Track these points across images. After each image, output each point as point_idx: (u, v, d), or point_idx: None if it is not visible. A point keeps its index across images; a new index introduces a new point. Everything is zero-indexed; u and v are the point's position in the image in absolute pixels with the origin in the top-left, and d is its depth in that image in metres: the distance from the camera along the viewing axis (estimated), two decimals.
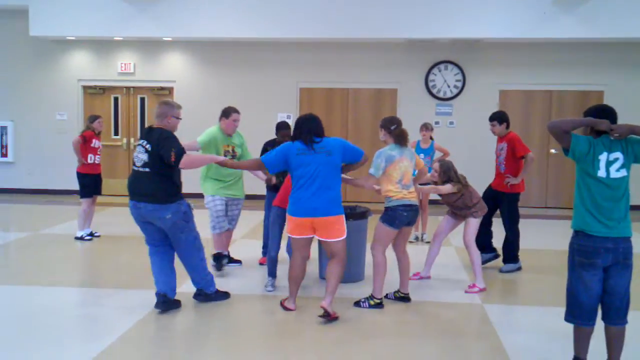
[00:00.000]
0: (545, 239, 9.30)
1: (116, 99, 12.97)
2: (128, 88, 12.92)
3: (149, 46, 12.55)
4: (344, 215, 5.33)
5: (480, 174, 12.07)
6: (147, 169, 5.13)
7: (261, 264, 7.10)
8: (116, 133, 12.99)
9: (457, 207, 6.36)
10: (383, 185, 5.58)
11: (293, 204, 5.22)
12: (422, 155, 8.69)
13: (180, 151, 5.08)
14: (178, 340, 4.90)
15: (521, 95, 12.23)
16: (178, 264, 5.47)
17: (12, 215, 10.92)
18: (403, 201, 5.48)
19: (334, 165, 5.26)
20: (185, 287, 5.82)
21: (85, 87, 12.90)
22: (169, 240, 5.37)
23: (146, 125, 6.63)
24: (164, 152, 5.05)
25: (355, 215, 6.43)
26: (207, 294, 5.61)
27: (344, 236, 5.30)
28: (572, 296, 3.91)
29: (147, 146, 5.14)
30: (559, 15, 10.83)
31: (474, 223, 6.29)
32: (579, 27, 10.88)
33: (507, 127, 7.20)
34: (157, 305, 5.32)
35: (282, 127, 7.08)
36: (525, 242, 8.85)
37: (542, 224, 10.66)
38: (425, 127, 8.79)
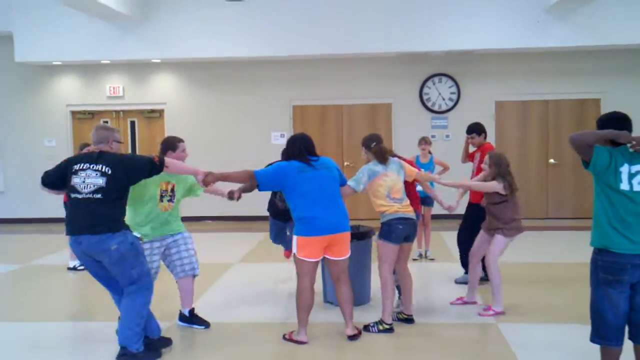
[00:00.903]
0: (550, 252, 9.11)
1: (106, 123, 12.72)
2: (117, 112, 12.69)
3: (137, 68, 12.34)
4: None
5: None
6: (99, 195, 4.53)
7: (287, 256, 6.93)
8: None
9: (493, 214, 5.88)
10: (374, 202, 5.41)
11: (308, 224, 4.90)
12: (421, 170, 8.44)
13: (160, 155, 4.83)
14: None
15: (517, 105, 12.08)
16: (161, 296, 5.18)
17: (3, 245, 10.62)
18: (397, 214, 5.29)
19: (335, 180, 5.16)
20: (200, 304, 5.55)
21: (74, 112, 12.66)
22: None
23: (82, 149, 6.08)
24: (142, 159, 4.72)
25: (359, 235, 6.20)
26: (127, 352, 4.67)
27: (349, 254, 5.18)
28: (598, 315, 3.69)
29: (106, 169, 4.58)
30: (553, 24, 10.70)
31: (501, 241, 5.81)
32: (574, 35, 10.74)
33: (485, 137, 7.22)
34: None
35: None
36: (530, 255, 8.72)
37: (544, 236, 10.46)
38: (424, 141, 8.59)
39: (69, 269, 8.15)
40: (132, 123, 12.70)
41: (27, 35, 11.41)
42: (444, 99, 12.03)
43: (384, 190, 5.33)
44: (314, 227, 4.90)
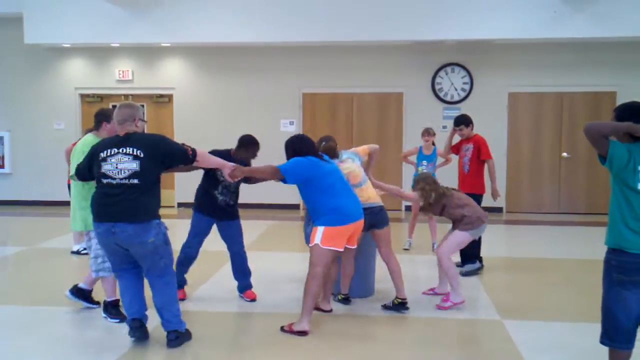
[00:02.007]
0: (561, 247, 8.94)
1: (114, 107, 12.63)
2: (127, 96, 12.60)
3: (147, 52, 12.25)
4: None
5: (488, 179, 11.77)
6: (135, 181, 4.34)
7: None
8: None
9: (451, 219, 5.96)
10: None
11: (338, 213, 4.95)
12: (424, 162, 8.38)
13: (190, 146, 4.66)
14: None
15: (531, 97, 11.87)
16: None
17: (10, 228, 10.61)
18: (369, 204, 5.48)
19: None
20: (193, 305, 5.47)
21: (82, 96, 12.60)
22: (139, 268, 4.68)
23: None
24: (177, 147, 4.56)
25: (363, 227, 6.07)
26: (181, 334, 4.70)
27: None
28: (609, 317, 3.55)
29: (137, 152, 4.38)
30: (570, 15, 10.48)
31: (457, 236, 5.78)
32: (591, 27, 10.52)
33: (472, 128, 7.28)
34: (134, 333, 4.70)
35: (251, 143, 5.91)
36: (540, 250, 8.58)
37: (556, 231, 10.30)
38: (428, 133, 8.45)
39: (73, 252, 8.10)
40: (141, 107, 12.58)
41: (38, 17, 11.34)
42: (456, 90, 11.84)
43: (357, 178, 5.53)
44: (344, 217, 4.98)
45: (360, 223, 5.12)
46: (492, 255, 8.23)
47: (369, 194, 5.61)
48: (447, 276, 5.79)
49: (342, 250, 5.07)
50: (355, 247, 5.35)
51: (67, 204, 9.51)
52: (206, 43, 11.54)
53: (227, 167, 4.92)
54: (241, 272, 6.00)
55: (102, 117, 5.34)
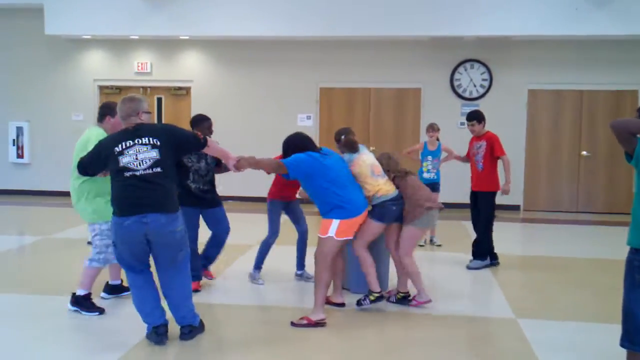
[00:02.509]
0: (578, 247, 8.85)
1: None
2: (145, 88, 12.65)
3: (165, 45, 12.28)
4: None
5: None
6: (158, 169, 4.28)
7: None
8: None
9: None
10: (364, 187, 5.32)
11: (349, 205, 5.04)
12: (429, 158, 8.33)
13: (198, 133, 4.76)
14: (195, 350, 4.56)
15: (551, 95, 11.74)
16: None
17: (27, 218, 10.70)
18: (389, 195, 5.34)
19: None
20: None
21: (101, 87, 12.67)
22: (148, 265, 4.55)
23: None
24: (188, 133, 4.65)
25: None
26: (194, 328, 4.68)
27: None
28: (630, 319, 3.45)
29: (154, 140, 4.32)
30: (591, 11, 10.34)
31: (405, 232, 5.50)
32: (613, 24, 10.38)
33: (484, 125, 7.25)
34: (161, 339, 4.55)
35: (202, 119, 6.04)
36: (557, 249, 8.49)
37: (574, 230, 10.20)
38: (432, 128, 8.39)
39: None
40: (159, 100, 12.66)
41: (58, 9, 11.41)
42: (475, 86, 11.74)
43: (366, 169, 5.34)
44: (354, 208, 5.07)
45: (365, 214, 5.21)
46: (508, 253, 8.17)
47: (391, 185, 5.46)
48: (409, 275, 5.61)
49: (348, 238, 5.17)
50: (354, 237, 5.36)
51: None
52: (224, 36, 11.54)
53: (231, 159, 4.95)
54: (216, 249, 6.17)
55: (107, 110, 5.26)
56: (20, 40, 12.52)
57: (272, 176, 6.07)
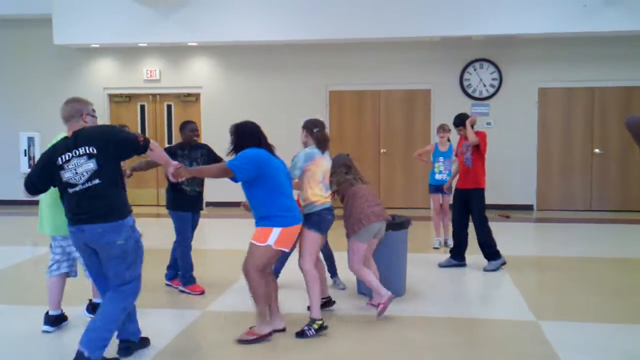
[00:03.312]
0: (594, 246, 8.77)
1: (142, 107, 12.74)
2: (154, 95, 12.67)
3: (174, 52, 12.29)
4: None
5: (520, 176, 11.63)
6: (97, 181, 4.05)
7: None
8: None
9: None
10: (307, 190, 5.08)
11: (292, 211, 4.76)
12: (441, 159, 8.30)
13: (143, 135, 4.36)
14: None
15: (562, 92, 11.67)
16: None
17: None
18: (325, 205, 5.12)
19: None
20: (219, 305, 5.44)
21: (111, 96, 12.69)
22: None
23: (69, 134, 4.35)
24: (127, 136, 4.23)
25: (395, 225, 6.01)
26: (133, 343, 4.47)
27: None
28: None
29: (90, 149, 4.05)
30: (601, 7, 10.26)
31: (350, 245, 5.44)
32: (622, 20, 10.28)
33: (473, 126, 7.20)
34: (120, 353, 4.42)
35: (184, 124, 6.21)
36: (572, 249, 8.42)
37: (587, 229, 10.11)
38: (443, 129, 8.36)
39: None
40: (169, 107, 12.67)
41: (66, 18, 11.44)
42: (485, 86, 11.69)
43: (320, 174, 5.11)
44: (296, 216, 4.79)
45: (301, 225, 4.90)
46: (523, 254, 8.13)
47: (329, 197, 5.28)
48: (366, 282, 5.50)
49: (289, 251, 4.91)
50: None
51: None
52: (233, 42, 11.53)
53: (171, 166, 4.55)
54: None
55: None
56: (30, 50, 12.56)
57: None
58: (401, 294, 6.06)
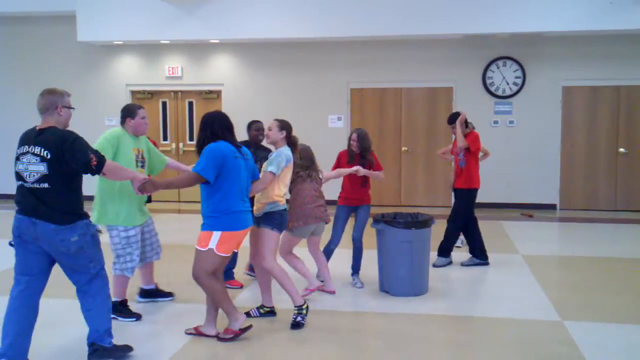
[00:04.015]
0: (619, 246, 8.65)
1: (164, 104, 12.79)
2: (176, 92, 12.72)
3: (196, 49, 12.33)
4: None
5: (543, 175, 11.50)
6: (45, 185, 3.95)
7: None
8: (165, 138, 12.81)
9: None
10: (273, 190, 5.04)
11: (234, 215, 4.54)
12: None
13: (99, 154, 4.07)
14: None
15: (586, 91, 11.51)
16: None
17: None
18: (284, 205, 5.17)
19: (253, 173, 4.87)
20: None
21: (133, 92, 12.76)
22: (45, 278, 4.18)
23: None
24: (80, 156, 3.94)
25: (418, 223, 5.97)
26: (107, 349, 4.26)
27: None
28: None
29: (44, 153, 3.93)
30: (627, 5, 10.10)
31: (285, 235, 5.60)
32: None
33: (466, 126, 7.28)
34: None
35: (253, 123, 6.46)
36: (596, 249, 8.30)
37: (613, 229, 9.98)
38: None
39: None
40: (190, 104, 12.71)
41: (90, 15, 11.52)
42: (508, 84, 11.57)
43: (287, 179, 5.23)
44: (240, 221, 4.57)
45: (250, 229, 4.79)
46: (547, 254, 8.05)
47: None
48: (296, 270, 5.80)
49: (229, 256, 4.67)
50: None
51: None
52: (254, 39, 11.54)
53: (136, 181, 4.47)
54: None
55: (126, 113, 5.30)
56: (54, 47, 12.66)
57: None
58: (424, 292, 6.02)
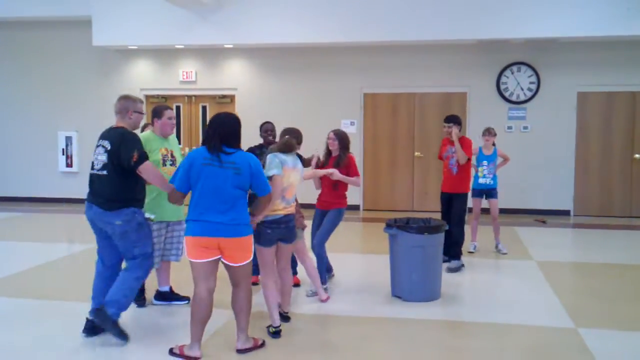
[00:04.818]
0: (633, 253, 8.54)
1: (178, 108, 12.85)
2: (190, 96, 12.78)
3: (210, 54, 12.38)
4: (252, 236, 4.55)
5: (557, 181, 11.42)
6: (104, 172, 4.68)
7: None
8: (178, 142, 12.81)
9: None
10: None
11: (195, 223, 4.31)
12: (485, 163, 8.15)
13: (143, 154, 4.66)
14: None
15: (601, 97, 11.43)
16: None
17: (77, 226, 10.85)
18: (267, 217, 4.83)
19: (239, 186, 4.36)
20: None
21: (147, 96, 12.83)
22: (113, 252, 4.89)
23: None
24: (125, 151, 4.59)
25: (430, 229, 5.95)
26: (107, 317, 4.62)
27: (250, 258, 4.52)
28: None
29: (107, 145, 4.68)
30: None
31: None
32: None
33: (460, 130, 7.30)
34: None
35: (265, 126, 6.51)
36: (611, 256, 8.22)
37: (628, 236, 9.88)
38: (489, 132, 8.24)
39: None
40: (204, 108, 12.76)
41: (105, 20, 11.63)
42: (522, 89, 11.51)
43: (283, 184, 4.92)
44: (199, 228, 4.30)
45: (226, 241, 4.33)
46: (561, 260, 8.00)
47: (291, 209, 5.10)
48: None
49: (205, 261, 4.33)
50: (234, 264, 4.42)
51: None
52: (268, 44, 11.58)
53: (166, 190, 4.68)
54: None
55: (154, 114, 5.54)
56: (69, 51, 12.78)
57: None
58: (436, 297, 5.99)
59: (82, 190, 13.03)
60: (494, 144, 8.29)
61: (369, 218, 11.25)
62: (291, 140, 5.21)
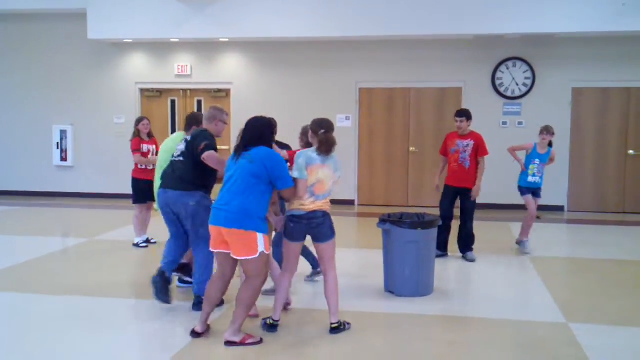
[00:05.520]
0: (626, 249, 8.57)
1: (173, 102, 12.84)
2: (185, 90, 12.76)
3: (205, 47, 12.36)
4: (258, 232, 4.55)
5: (551, 176, 11.42)
6: (181, 158, 5.44)
7: None
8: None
9: None
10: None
11: (217, 207, 4.70)
12: (537, 161, 7.84)
13: (211, 146, 5.29)
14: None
15: (596, 92, 11.45)
16: None
17: (72, 220, 10.87)
18: (293, 211, 4.83)
19: (251, 174, 4.55)
20: None
21: (142, 90, 12.81)
22: (181, 237, 5.55)
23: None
24: (198, 141, 5.31)
25: (423, 224, 5.96)
26: (163, 274, 5.46)
27: (256, 255, 4.54)
28: None
29: (189, 137, 5.51)
30: (639, 7, 10.05)
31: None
32: None
33: (470, 124, 7.47)
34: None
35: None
36: (604, 251, 8.25)
37: (621, 232, 9.92)
38: (547, 131, 7.90)
39: (134, 245, 8.22)
40: (199, 102, 12.75)
41: (100, 13, 11.59)
42: (517, 85, 11.53)
43: (311, 180, 4.77)
44: (211, 216, 4.67)
45: (227, 231, 4.52)
46: (555, 255, 8.03)
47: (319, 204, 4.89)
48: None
49: (216, 250, 4.70)
50: (236, 256, 4.59)
51: (127, 196, 9.67)
52: (263, 37, 11.56)
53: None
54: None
55: (193, 122, 6.13)
56: (64, 44, 12.73)
57: None
58: (429, 292, 6.02)
59: (76, 184, 13.15)
60: (550, 144, 8.01)
61: (364, 213, 11.26)
62: (330, 139, 4.89)
